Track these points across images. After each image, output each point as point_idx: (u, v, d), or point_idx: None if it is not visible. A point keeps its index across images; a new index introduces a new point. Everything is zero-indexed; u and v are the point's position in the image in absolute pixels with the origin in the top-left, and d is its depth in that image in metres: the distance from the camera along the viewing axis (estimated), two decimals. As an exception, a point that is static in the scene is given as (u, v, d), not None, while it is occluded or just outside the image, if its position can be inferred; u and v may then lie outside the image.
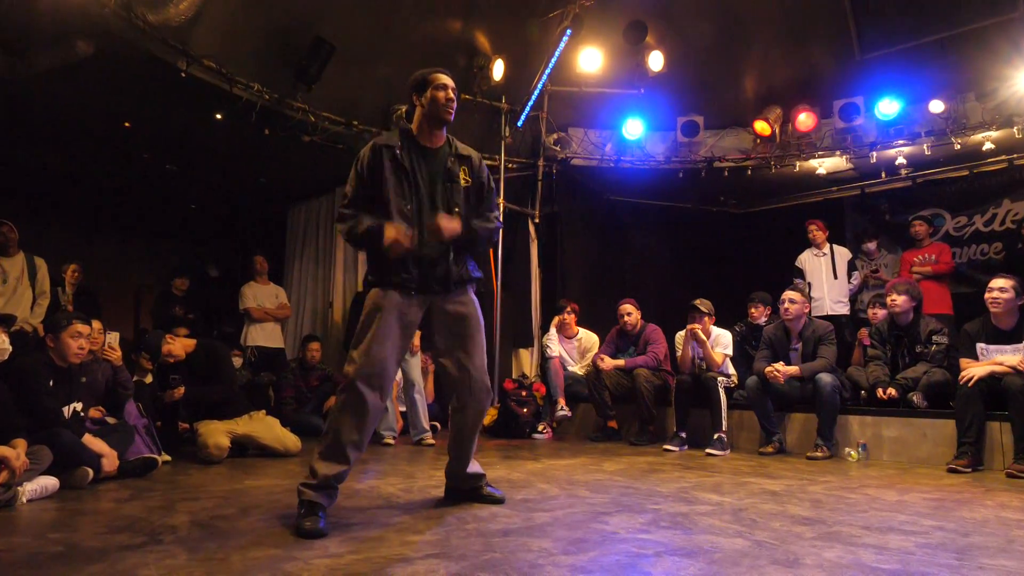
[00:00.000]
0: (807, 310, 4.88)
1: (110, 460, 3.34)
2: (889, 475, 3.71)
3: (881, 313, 5.06)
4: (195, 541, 2.12)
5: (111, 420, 3.85)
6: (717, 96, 6.90)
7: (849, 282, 6.11)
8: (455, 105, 2.67)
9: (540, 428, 5.73)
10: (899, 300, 4.52)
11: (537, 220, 7.18)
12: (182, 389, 4.22)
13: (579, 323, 6.10)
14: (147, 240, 9.62)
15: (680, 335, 5.24)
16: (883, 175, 6.98)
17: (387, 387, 2.50)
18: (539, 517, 2.47)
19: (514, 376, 6.38)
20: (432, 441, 5.00)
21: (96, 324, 3.92)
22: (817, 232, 6.25)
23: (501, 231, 6.45)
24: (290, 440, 4.37)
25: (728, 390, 4.86)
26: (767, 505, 2.74)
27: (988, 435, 3.98)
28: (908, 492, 3.12)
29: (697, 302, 5.11)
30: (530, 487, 3.15)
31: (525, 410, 5.76)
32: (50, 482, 2.98)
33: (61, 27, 4.36)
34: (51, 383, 3.34)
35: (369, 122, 6.08)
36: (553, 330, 5.99)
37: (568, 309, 6.03)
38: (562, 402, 5.65)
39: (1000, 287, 3.98)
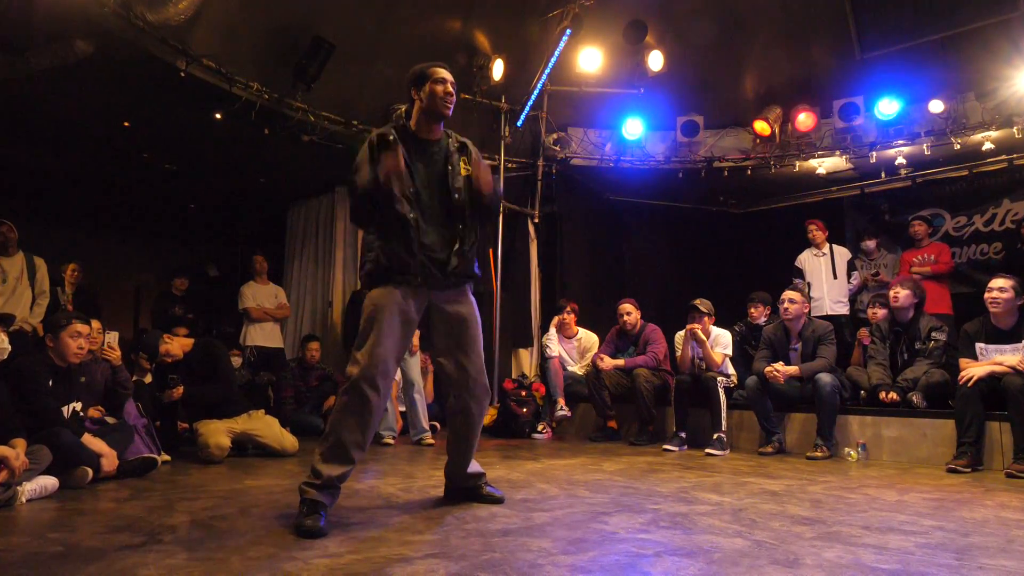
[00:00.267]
0: (807, 310, 4.88)
1: (109, 460, 3.33)
2: (889, 475, 3.71)
3: (881, 313, 5.06)
4: (194, 541, 2.12)
5: (110, 420, 3.84)
6: (717, 96, 6.90)
7: (849, 282, 6.11)
8: (454, 99, 2.67)
9: (540, 428, 5.73)
10: (901, 294, 4.54)
11: (537, 220, 7.18)
12: (181, 389, 4.22)
13: (579, 323, 6.09)
14: (147, 240, 9.62)
15: (680, 335, 5.24)
16: (883, 175, 6.98)
17: (389, 386, 2.50)
18: (539, 517, 2.47)
19: (514, 376, 6.38)
20: (432, 441, 5.00)
21: (95, 324, 3.91)
22: (817, 232, 6.25)
23: (500, 230, 6.58)
24: (288, 440, 4.36)
25: (728, 390, 4.86)
26: (767, 505, 2.74)
27: (988, 435, 3.98)
28: (908, 492, 3.12)
29: (697, 302, 5.11)
30: (530, 487, 3.15)
31: (525, 410, 5.76)
32: (49, 482, 2.97)
33: (60, 27, 4.36)
34: (50, 383, 3.34)
35: (369, 122, 6.07)
36: (553, 330, 5.99)
37: (568, 309, 6.03)
38: (562, 402, 5.64)
39: (1000, 287, 3.98)
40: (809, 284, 6.07)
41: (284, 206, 8.03)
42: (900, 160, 6.42)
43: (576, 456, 4.43)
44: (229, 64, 5.08)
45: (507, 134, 6.78)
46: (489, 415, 5.93)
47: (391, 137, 2.51)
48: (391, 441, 5.05)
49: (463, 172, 2.67)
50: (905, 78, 6.09)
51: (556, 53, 6.31)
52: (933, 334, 4.45)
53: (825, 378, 4.44)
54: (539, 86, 6.57)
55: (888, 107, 6.14)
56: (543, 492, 3.02)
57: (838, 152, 6.57)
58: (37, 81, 4.85)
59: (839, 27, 6.29)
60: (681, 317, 5.22)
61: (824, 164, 6.76)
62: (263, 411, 4.56)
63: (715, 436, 4.66)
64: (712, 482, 3.36)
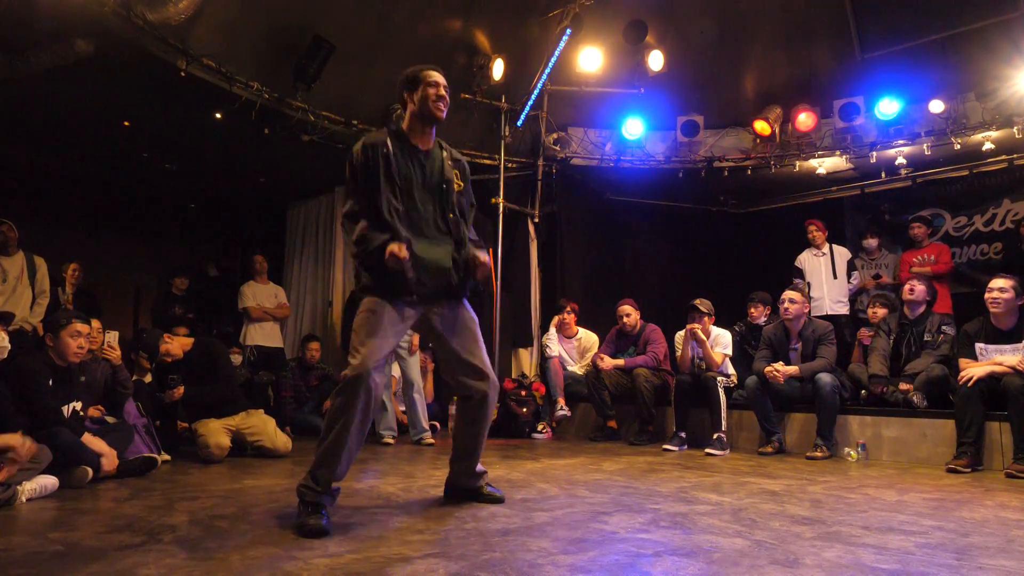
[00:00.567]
0: (807, 310, 4.88)
1: (109, 459, 3.33)
2: (889, 475, 3.71)
3: (881, 312, 5.07)
4: (194, 540, 2.12)
5: (110, 419, 3.84)
6: (717, 96, 6.90)
7: (849, 282, 6.11)
8: (447, 103, 2.66)
9: (540, 428, 5.73)
10: (918, 288, 4.59)
11: (537, 220, 7.17)
12: (181, 389, 4.22)
13: (579, 323, 6.10)
14: (147, 239, 9.62)
15: (680, 335, 5.24)
16: (883, 175, 6.97)
17: (380, 386, 2.49)
18: (539, 517, 2.47)
19: (514, 376, 6.38)
20: (432, 441, 5.00)
21: (95, 323, 3.92)
22: (816, 232, 6.25)
23: (500, 230, 6.57)
24: (280, 440, 4.30)
25: (728, 390, 4.86)
26: (767, 505, 2.74)
27: (987, 435, 3.98)
28: (908, 492, 3.12)
29: (697, 302, 5.11)
30: (530, 487, 3.15)
31: (525, 410, 5.76)
32: (49, 481, 2.98)
33: (60, 26, 4.36)
34: (50, 382, 3.34)
35: (368, 121, 6.07)
36: (553, 330, 5.99)
37: (568, 309, 6.03)
38: (562, 402, 5.65)
39: (1000, 287, 3.98)
40: (809, 284, 6.08)
41: (284, 206, 8.03)
42: (900, 160, 6.42)
43: (576, 456, 4.43)
44: (229, 64, 5.08)
45: (507, 134, 6.78)
46: (489, 415, 5.93)
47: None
48: (391, 441, 5.05)
49: (457, 188, 2.69)
50: (905, 78, 6.09)
51: (556, 53, 6.31)
52: (943, 328, 4.47)
53: (825, 378, 4.44)
54: (539, 86, 6.57)
55: (888, 107, 6.14)
56: (543, 492, 3.02)
57: (838, 152, 6.57)
58: (37, 81, 4.86)
59: (839, 27, 6.29)
60: (681, 317, 5.22)
61: (824, 164, 6.76)
62: (262, 411, 4.55)
63: (715, 436, 4.66)
64: (712, 482, 3.36)
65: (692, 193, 7.73)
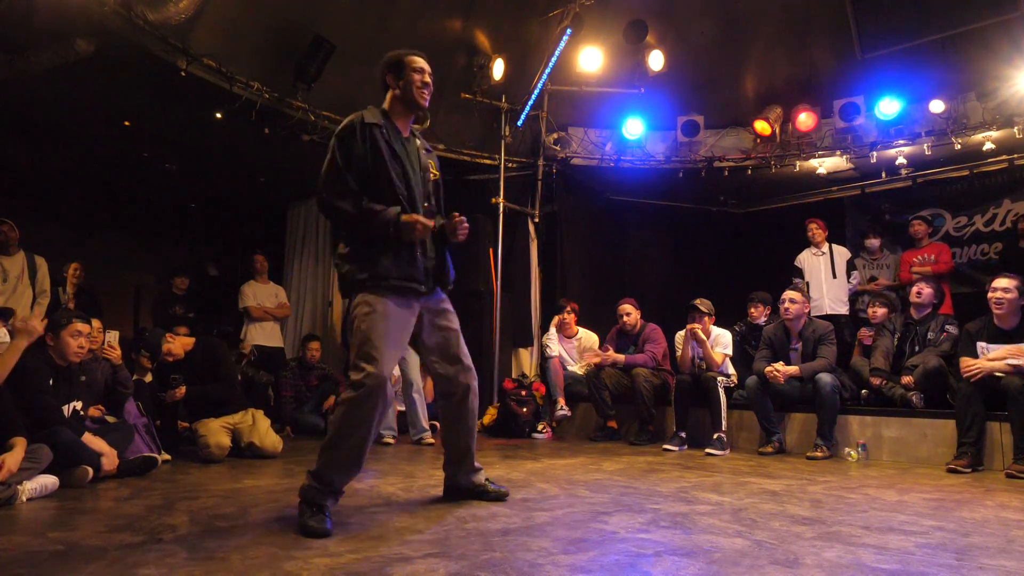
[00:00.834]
0: (807, 310, 4.88)
1: (110, 459, 3.33)
2: (889, 475, 3.71)
3: (881, 312, 5.07)
4: (195, 540, 2.12)
5: (111, 419, 3.84)
6: (717, 95, 6.90)
7: (848, 282, 6.11)
8: (431, 90, 2.62)
9: (540, 428, 5.73)
10: (925, 291, 4.60)
11: (537, 220, 7.18)
12: (183, 389, 4.22)
13: (579, 323, 6.10)
14: (147, 239, 9.62)
15: (680, 335, 5.24)
16: (883, 175, 6.98)
17: (390, 390, 2.47)
18: (539, 517, 2.47)
19: (514, 376, 6.38)
20: (432, 440, 5.00)
21: (96, 323, 3.92)
22: (817, 231, 6.25)
23: (501, 230, 6.57)
24: (270, 440, 4.26)
25: (728, 390, 4.86)
26: (767, 505, 2.74)
27: (988, 435, 3.98)
28: (908, 492, 3.12)
29: (697, 302, 5.11)
30: (530, 487, 3.15)
31: (525, 410, 5.76)
32: (50, 481, 2.98)
33: (61, 26, 4.36)
34: (51, 382, 3.34)
35: (369, 121, 6.07)
36: (553, 330, 5.99)
37: (568, 309, 6.03)
38: (562, 402, 5.65)
39: (1004, 287, 3.97)
40: (808, 283, 6.07)
41: (284, 205, 8.03)
42: (901, 160, 6.42)
43: (576, 456, 4.43)
44: (229, 63, 5.08)
45: (507, 134, 6.78)
46: (489, 415, 5.94)
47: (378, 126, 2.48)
48: (391, 441, 5.05)
49: (434, 176, 2.68)
50: (906, 78, 6.09)
51: (556, 53, 6.31)
52: (947, 327, 4.49)
53: (825, 378, 4.44)
54: (539, 86, 6.57)
55: (889, 107, 6.14)
56: (543, 492, 3.02)
57: (839, 152, 6.57)
58: (38, 80, 4.86)
59: (840, 27, 6.29)
60: (681, 317, 5.23)
61: (825, 164, 6.76)
62: (262, 412, 4.54)
63: (715, 436, 4.66)
64: (712, 482, 3.36)
65: (692, 193, 7.73)
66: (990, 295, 4.03)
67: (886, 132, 6.31)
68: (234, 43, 5.09)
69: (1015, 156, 6.36)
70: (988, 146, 5.98)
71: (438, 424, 5.71)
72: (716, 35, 6.60)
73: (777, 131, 6.67)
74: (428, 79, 2.61)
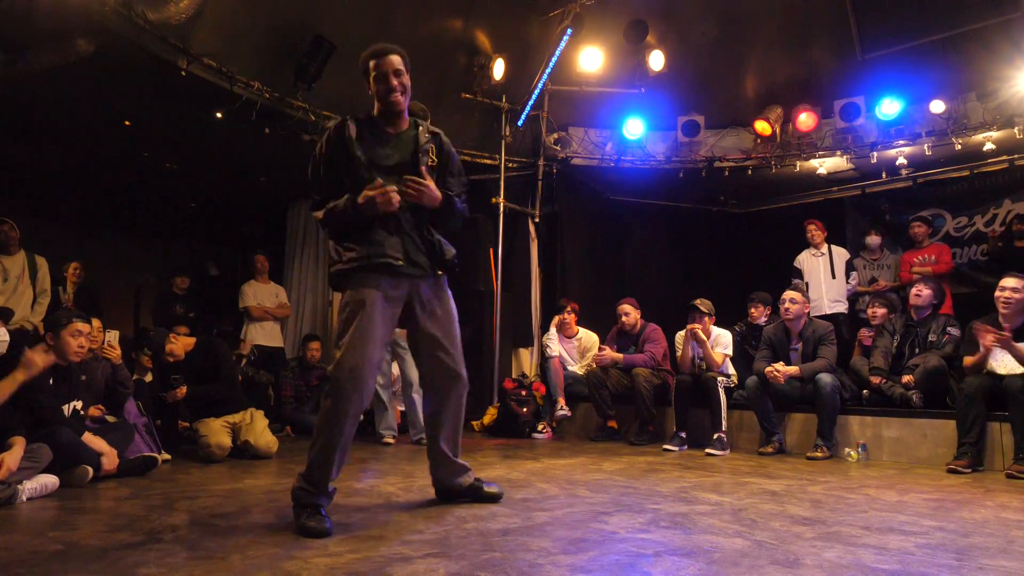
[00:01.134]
0: (807, 310, 4.88)
1: (110, 458, 3.34)
2: (889, 475, 3.71)
3: (881, 312, 5.07)
4: (195, 540, 2.12)
5: (111, 418, 3.85)
6: (718, 96, 6.90)
7: (847, 283, 6.12)
8: (401, 89, 2.47)
9: (540, 428, 5.73)
10: (924, 292, 4.59)
11: (537, 220, 7.18)
12: (184, 389, 4.22)
13: (579, 323, 6.09)
14: (147, 239, 9.62)
15: (680, 335, 5.24)
16: (884, 175, 6.98)
17: (371, 386, 2.43)
18: (539, 517, 2.47)
19: (514, 376, 6.38)
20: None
21: (96, 323, 3.92)
22: (816, 232, 6.25)
23: (501, 230, 6.57)
24: (264, 440, 4.22)
25: (728, 390, 4.86)
26: (767, 505, 2.74)
27: (988, 436, 3.98)
28: (908, 492, 3.12)
29: (697, 302, 5.11)
30: (530, 487, 3.15)
31: (525, 410, 5.76)
32: (50, 480, 2.98)
33: (61, 25, 4.36)
34: (51, 381, 3.34)
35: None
36: (553, 330, 5.99)
37: (568, 309, 6.03)
38: (562, 402, 5.64)
39: (1012, 287, 3.96)
40: (807, 284, 6.07)
41: (285, 205, 8.03)
42: (901, 160, 6.42)
43: (576, 456, 4.43)
44: (230, 63, 5.08)
45: (508, 134, 6.78)
46: (489, 415, 5.94)
47: (353, 133, 2.44)
48: (391, 441, 5.05)
49: (430, 162, 2.56)
50: (906, 78, 6.09)
51: (557, 53, 6.31)
52: (948, 329, 4.48)
53: (826, 378, 4.44)
54: (540, 86, 6.57)
55: (889, 107, 6.14)
56: (543, 492, 3.02)
57: (839, 152, 6.57)
58: (38, 80, 4.86)
59: (840, 27, 6.28)
60: (681, 317, 5.22)
61: (825, 164, 6.76)
62: (262, 412, 4.53)
63: (715, 436, 4.66)
64: (712, 482, 3.36)
65: (692, 193, 7.73)
66: (997, 294, 4.02)
67: (886, 132, 6.31)
68: (234, 43, 5.09)
69: (1015, 156, 6.36)
70: (988, 146, 5.98)
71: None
72: (716, 35, 6.59)
73: (777, 131, 6.67)
74: (393, 82, 2.45)
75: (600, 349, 5.64)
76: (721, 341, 5.10)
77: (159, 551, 1.99)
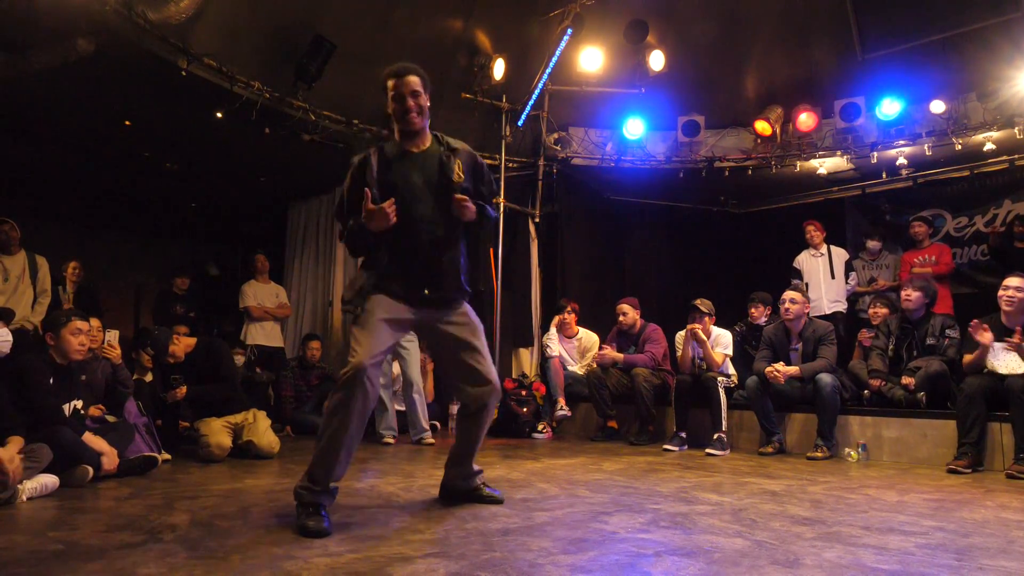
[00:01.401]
0: (807, 310, 4.88)
1: (110, 458, 3.34)
2: (889, 475, 3.71)
3: (883, 312, 5.07)
4: (195, 540, 2.12)
5: (111, 418, 3.85)
6: (718, 96, 6.89)
7: (847, 283, 6.12)
8: (418, 110, 2.51)
9: (540, 428, 5.73)
10: (912, 295, 4.55)
11: (537, 220, 7.18)
12: (184, 389, 4.22)
13: (579, 323, 6.10)
14: (147, 239, 9.63)
15: (680, 335, 5.24)
16: (884, 175, 6.97)
17: (378, 385, 2.45)
18: (539, 517, 2.47)
19: (514, 376, 6.38)
20: (432, 441, 5.00)
21: (95, 322, 3.92)
22: (815, 233, 6.26)
23: (501, 230, 6.57)
24: (266, 440, 4.23)
25: (728, 390, 4.86)
26: (767, 505, 2.74)
27: (988, 436, 3.98)
28: (908, 493, 3.12)
29: (697, 302, 5.11)
30: (530, 487, 3.15)
31: (525, 410, 5.76)
32: (50, 480, 2.98)
33: (62, 25, 4.36)
34: (51, 381, 3.34)
35: (369, 121, 6.07)
36: (553, 330, 5.99)
37: (568, 309, 6.03)
38: (562, 402, 5.65)
39: (1016, 286, 3.96)
40: (807, 284, 6.08)
41: (285, 205, 8.03)
42: (901, 160, 6.42)
43: (576, 456, 4.43)
44: (230, 63, 5.08)
45: (508, 134, 6.78)
46: (489, 415, 5.94)
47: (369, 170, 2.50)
48: (391, 441, 5.05)
49: (457, 179, 2.56)
50: (906, 78, 6.09)
51: (557, 53, 6.30)
52: (947, 331, 4.45)
53: (826, 378, 4.44)
54: (540, 86, 6.56)
55: (889, 107, 6.13)
56: (543, 492, 3.02)
57: (839, 152, 6.57)
58: (38, 80, 4.86)
59: (840, 27, 6.28)
60: (681, 317, 5.23)
61: (825, 164, 6.76)
62: (264, 412, 4.53)
63: (715, 436, 4.66)
64: (712, 482, 3.36)
65: (693, 193, 7.72)
66: (1001, 293, 4.02)
67: (887, 132, 6.31)
68: (235, 43, 5.09)
69: (1016, 157, 6.36)
70: (989, 146, 5.98)
71: (438, 424, 5.75)
72: (717, 35, 6.59)
73: (778, 131, 6.67)
74: (409, 103, 2.48)
75: (600, 349, 5.64)
76: (721, 341, 5.11)
77: (159, 551, 1.99)
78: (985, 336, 3.88)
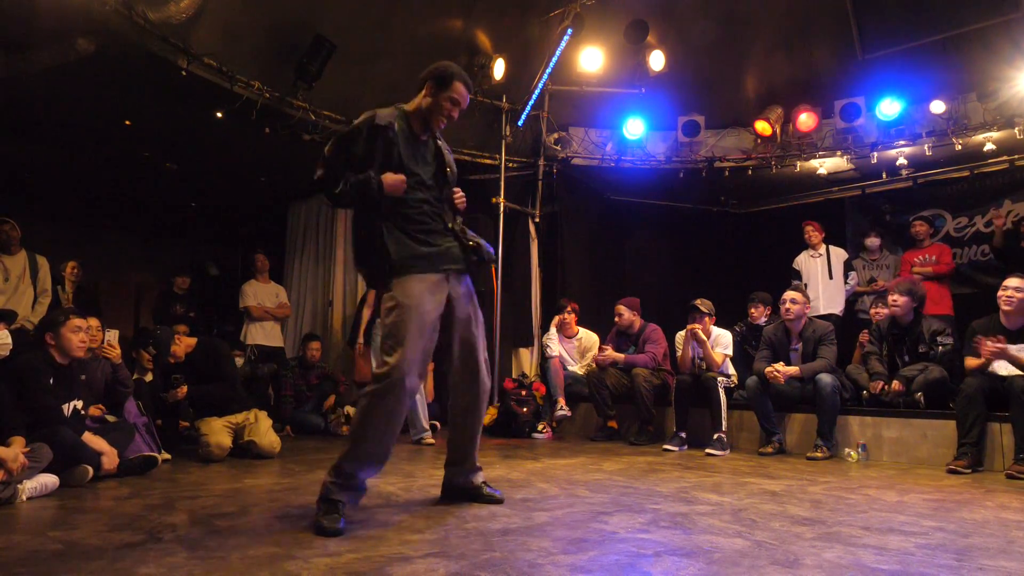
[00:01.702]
0: (808, 310, 4.88)
1: (110, 458, 3.34)
2: (889, 476, 3.71)
3: (884, 312, 5.06)
4: (195, 539, 2.12)
5: (111, 418, 3.85)
6: (718, 96, 6.89)
7: (845, 283, 6.12)
8: (451, 121, 2.66)
9: (540, 428, 5.73)
10: (899, 301, 4.52)
11: (537, 220, 7.18)
12: (184, 389, 4.22)
13: (579, 323, 6.10)
14: (147, 238, 9.63)
15: (680, 335, 5.24)
16: (884, 175, 6.97)
17: (419, 387, 2.50)
18: (539, 517, 2.47)
19: (514, 376, 6.38)
20: (432, 440, 5.00)
21: (94, 322, 3.91)
22: (813, 233, 6.26)
23: (501, 230, 6.57)
24: (268, 440, 4.23)
25: (728, 390, 4.86)
26: (767, 505, 2.74)
27: (988, 436, 3.98)
28: (908, 493, 3.12)
29: (698, 302, 5.11)
30: (530, 487, 3.15)
31: (525, 410, 5.76)
32: (50, 480, 2.98)
33: (62, 25, 4.36)
34: (51, 381, 3.34)
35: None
36: (553, 330, 5.99)
37: (568, 309, 6.03)
38: (562, 402, 5.65)
39: (1016, 286, 3.96)
40: (805, 285, 6.08)
41: (285, 205, 8.03)
42: (901, 161, 6.42)
43: (576, 456, 4.43)
44: (230, 63, 5.08)
45: (508, 133, 6.78)
46: (489, 415, 5.94)
47: (391, 134, 2.53)
48: (391, 440, 5.04)
49: (452, 173, 2.73)
50: (906, 79, 6.09)
51: (557, 53, 6.30)
52: (939, 339, 4.42)
53: (826, 378, 4.44)
54: (540, 86, 6.57)
55: (889, 107, 6.13)
56: (543, 492, 3.02)
57: (839, 152, 6.57)
58: (38, 80, 4.86)
59: (841, 27, 6.28)
60: (681, 317, 5.23)
61: (825, 164, 6.76)
62: (265, 412, 4.53)
63: (715, 436, 4.66)
64: (712, 482, 3.36)
65: (693, 193, 7.72)
66: (1000, 293, 4.01)
67: (887, 133, 6.31)
68: (235, 42, 5.09)
69: (1016, 157, 6.36)
70: (989, 147, 5.98)
71: (438, 424, 5.75)
72: (717, 35, 6.59)
73: (778, 131, 6.67)
74: (454, 113, 2.63)
75: (601, 350, 5.65)
76: (721, 341, 5.11)
77: (159, 551, 1.99)
78: (987, 351, 3.88)
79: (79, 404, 3.49)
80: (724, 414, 4.74)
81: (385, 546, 2.04)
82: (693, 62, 6.72)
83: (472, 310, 2.67)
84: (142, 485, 3.20)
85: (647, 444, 5.06)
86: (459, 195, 2.73)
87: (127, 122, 5.97)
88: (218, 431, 4.11)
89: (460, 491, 2.77)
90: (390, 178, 2.46)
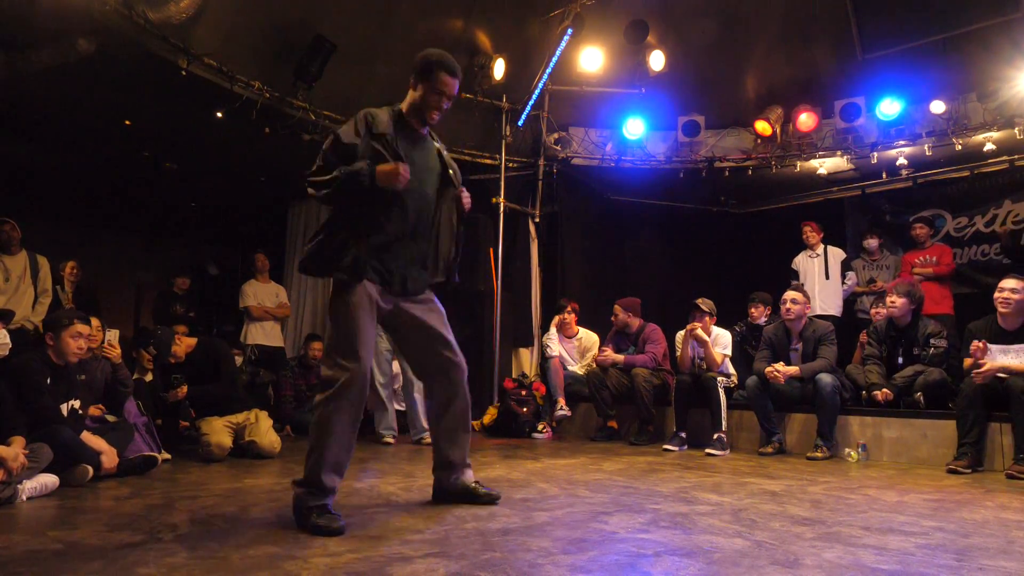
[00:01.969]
0: (808, 310, 4.88)
1: (109, 458, 3.34)
2: (889, 476, 3.71)
3: (884, 312, 5.06)
4: (195, 539, 2.12)
5: (111, 418, 3.85)
6: (718, 96, 6.90)
7: (843, 283, 6.12)
8: (444, 112, 2.59)
9: (540, 428, 5.73)
10: (898, 302, 4.52)
11: (537, 220, 7.18)
12: (184, 389, 4.22)
13: (579, 323, 6.10)
14: (147, 238, 9.63)
15: (680, 335, 5.24)
16: (884, 175, 6.97)
17: (366, 384, 2.43)
18: (538, 517, 2.47)
19: (514, 376, 6.38)
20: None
21: (95, 322, 3.91)
22: (811, 233, 6.26)
23: (501, 230, 6.57)
24: (268, 439, 4.23)
25: (728, 390, 4.86)
26: (767, 505, 2.74)
27: (988, 436, 3.98)
28: (908, 493, 3.12)
29: (699, 301, 5.11)
30: (530, 487, 3.15)
31: (525, 409, 5.76)
32: (50, 480, 2.98)
33: (62, 25, 4.36)
34: (48, 381, 3.34)
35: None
36: (553, 329, 5.99)
37: (568, 308, 6.03)
38: (562, 402, 5.65)
39: (1012, 288, 3.96)
40: (802, 284, 6.07)
41: (285, 205, 8.03)
42: (901, 161, 6.42)
43: (576, 456, 4.43)
44: (230, 63, 5.08)
45: (508, 133, 6.78)
46: (489, 415, 5.94)
47: (388, 136, 2.47)
48: (391, 441, 5.05)
49: (455, 175, 2.68)
50: (906, 79, 6.09)
51: (557, 53, 6.31)
52: (932, 341, 4.42)
53: (826, 378, 4.44)
54: (540, 85, 6.57)
55: (889, 108, 6.13)
56: (543, 492, 3.02)
57: (839, 152, 6.57)
58: (38, 80, 4.86)
59: (841, 28, 6.28)
60: (681, 317, 5.23)
61: (825, 164, 6.76)
62: (266, 412, 4.53)
63: (715, 436, 4.66)
64: (712, 482, 3.36)
65: (693, 193, 7.72)
66: (997, 295, 4.01)
67: (887, 133, 6.31)
68: (235, 42, 5.09)
69: (1016, 157, 6.36)
70: (989, 147, 5.98)
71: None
72: (717, 35, 6.59)
73: (778, 131, 6.67)
74: (444, 104, 2.55)
75: (601, 350, 5.64)
76: (721, 341, 5.11)
77: (159, 550, 1.99)
78: (979, 378, 3.89)
79: (76, 404, 3.49)
80: (724, 414, 4.74)
81: (385, 546, 2.04)
82: (693, 62, 6.72)
83: (423, 310, 2.60)
84: (142, 485, 3.20)
85: (647, 444, 5.06)
86: (466, 196, 2.71)
87: (127, 122, 5.97)
88: (218, 431, 4.11)
89: (452, 494, 2.72)
90: (385, 168, 2.37)
